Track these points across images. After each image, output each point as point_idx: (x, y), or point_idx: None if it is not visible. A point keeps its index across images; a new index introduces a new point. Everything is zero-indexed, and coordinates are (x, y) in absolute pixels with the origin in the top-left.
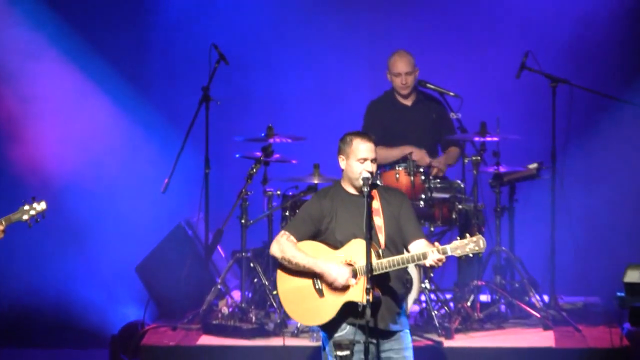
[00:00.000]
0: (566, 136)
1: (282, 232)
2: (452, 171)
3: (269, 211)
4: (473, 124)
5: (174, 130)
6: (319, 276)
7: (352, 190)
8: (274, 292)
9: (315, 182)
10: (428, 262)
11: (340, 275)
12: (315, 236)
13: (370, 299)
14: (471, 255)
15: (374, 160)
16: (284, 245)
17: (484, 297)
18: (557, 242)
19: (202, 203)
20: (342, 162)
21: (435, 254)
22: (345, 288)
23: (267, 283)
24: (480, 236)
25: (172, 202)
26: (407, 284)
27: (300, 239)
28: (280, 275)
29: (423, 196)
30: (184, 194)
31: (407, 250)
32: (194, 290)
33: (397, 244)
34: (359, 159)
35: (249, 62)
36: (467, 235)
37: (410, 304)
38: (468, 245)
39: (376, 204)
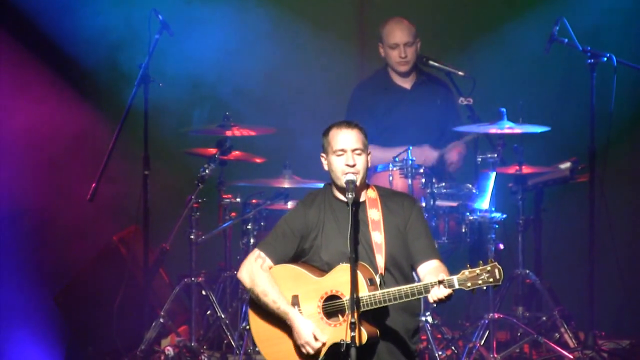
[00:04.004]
0: (608, 127)
1: (257, 252)
2: (462, 173)
3: (226, 224)
4: (488, 112)
5: (103, 119)
6: (297, 306)
7: (344, 197)
8: (246, 327)
9: (286, 185)
10: (431, 298)
11: (313, 340)
12: (298, 256)
13: (358, 338)
14: (484, 288)
15: (357, 151)
16: (256, 275)
17: (502, 335)
18: (597, 264)
19: (141, 214)
20: (324, 163)
21: (440, 289)
22: (331, 325)
23: (223, 316)
24: (495, 264)
25: (101, 212)
26: (418, 315)
27: (278, 261)
28: (254, 307)
29: (424, 204)
30: (117, 202)
31: (416, 273)
32: (130, 325)
33: (402, 267)
34: (335, 151)
35: (200, 32)
36: (480, 263)
37: None
38: (480, 276)
39: (376, 215)
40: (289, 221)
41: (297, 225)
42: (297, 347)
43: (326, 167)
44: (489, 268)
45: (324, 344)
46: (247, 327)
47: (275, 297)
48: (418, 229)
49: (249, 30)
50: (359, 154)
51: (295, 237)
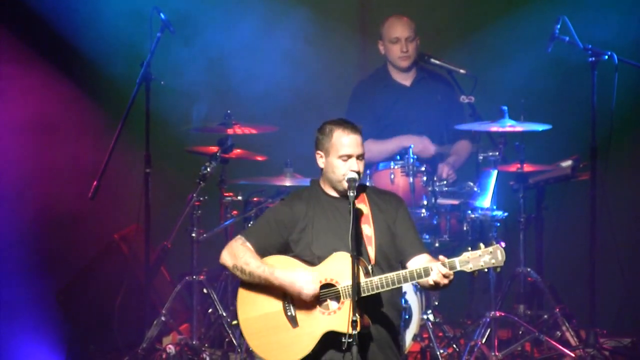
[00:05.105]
0: (610, 125)
1: (239, 237)
2: (463, 170)
3: (228, 222)
4: (490, 110)
5: (105, 118)
6: (287, 296)
7: (334, 193)
8: (233, 322)
9: (288, 184)
10: (432, 279)
11: (306, 283)
12: (284, 250)
13: (351, 329)
14: (486, 270)
15: (360, 157)
16: (236, 250)
17: (504, 333)
18: (598, 262)
19: (142, 212)
20: (320, 160)
21: (441, 268)
22: (324, 314)
23: (225, 314)
24: (497, 246)
25: (103, 210)
26: (404, 312)
27: (260, 249)
28: (242, 299)
29: (425, 202)
30: (119, 200)
31: (405, 269)
32: (131, 324)
33: (390, 260)
34: (341, 156)
35: (201, 30)
36: (481, 245)
37: (409, 341)
38: (482, 257)
39: (365, 210)
40: (273, 211)
41: (282, 216)
42: (289, 339)
43: (322, 165)
44: (491, 250)
45: (324, 318)
46: (235, 322)
47: (258, 263)
48: (407, 225)
49: (251, 28)
50: (361, 160)
51: (279, 227)
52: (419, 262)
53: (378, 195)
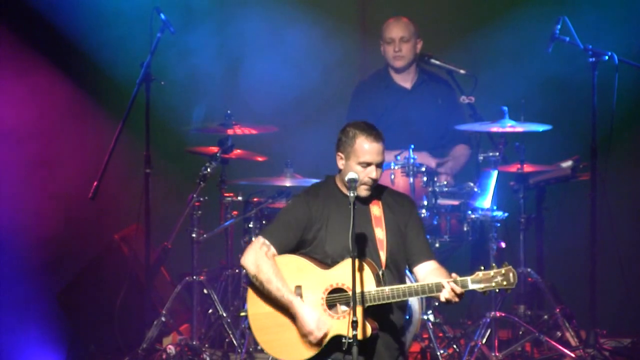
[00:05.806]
0: (610, 126)
1: (261, 239)
2: (463, 171)
3: (228, 223)
4: (490, 111)
5: (105, 118)
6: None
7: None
8: (242, 313)
9: (288, 184)
10: (443, 296)
11: (317, 330)
12: (299, 247)
13: (359, 335)
14: (497, 290)
15: (380, 165)
16: (261, 262)
17: (504, 333)
18: (599, 263)
19: (142, 212)
20: (340, 162)
21: (454, 287)
22: (333, 318)
23: (225, 314)
24: (510, 268)
25: (103, 211)
26: (408, 312)
27: (281, 250)
28: (252, 293)
29: (426, 203)
30: (119, 200)
31: (411, 273)
32: (131, 324)
33: (399, 265)
34: (361, 162)
35: (201, 31)
36: (494, 265)
37: (410, 341)
38: (495, 278)
39: (377, 211)
40: (292, 211)
41: (300, 216)
42: (297, 337)
43: (341, 167)
44: (503, 271)
45: (326, 335)
46: (244, 313)
47: (279, 285)
48: (417, 229)
49: (252, 29)
50: (380, 167)
51: (299, 228)
52: (426, 268)
53: (392, 196)
